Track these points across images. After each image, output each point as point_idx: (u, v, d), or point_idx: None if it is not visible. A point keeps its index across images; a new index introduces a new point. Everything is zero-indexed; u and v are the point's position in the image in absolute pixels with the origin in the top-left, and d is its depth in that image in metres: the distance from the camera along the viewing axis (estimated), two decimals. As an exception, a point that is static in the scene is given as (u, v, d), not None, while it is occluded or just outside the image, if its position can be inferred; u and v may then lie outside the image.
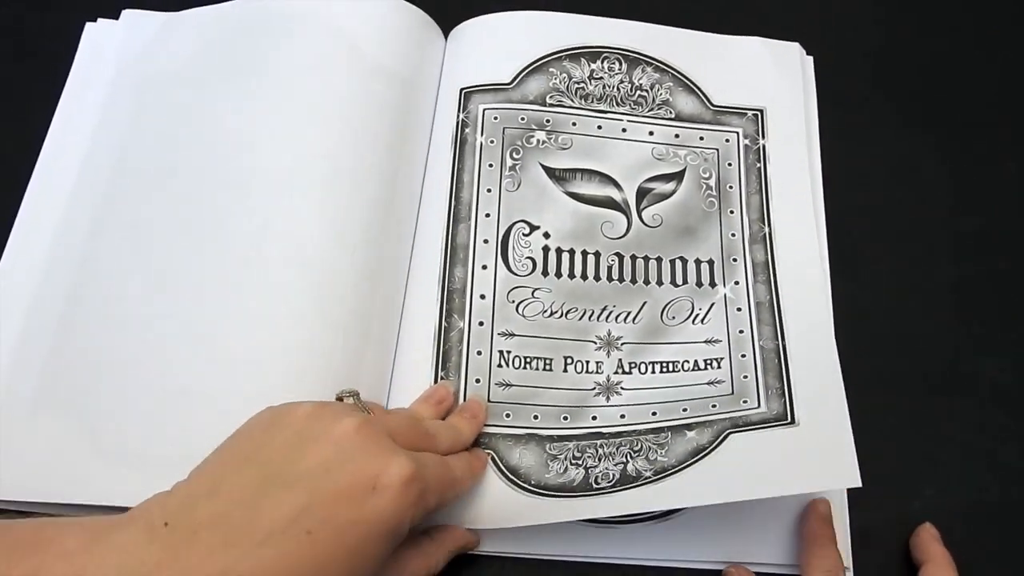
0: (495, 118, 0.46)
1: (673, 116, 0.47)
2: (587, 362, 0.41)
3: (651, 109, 0.48)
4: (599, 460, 0.39)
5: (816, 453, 0.37)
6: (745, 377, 0.41)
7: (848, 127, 0.49)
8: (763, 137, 0.47)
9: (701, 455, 0.38)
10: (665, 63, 0.49)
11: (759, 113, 0.48)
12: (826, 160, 0.48)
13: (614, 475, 0.38)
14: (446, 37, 0.50)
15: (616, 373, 0.41)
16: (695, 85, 0.48)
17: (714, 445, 0.38)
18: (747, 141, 0.47)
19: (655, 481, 0.37)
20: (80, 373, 0.39)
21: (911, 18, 0.53)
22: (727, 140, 0.47)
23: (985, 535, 0.39)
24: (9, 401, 0.39)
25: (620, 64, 0.49)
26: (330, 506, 0.29)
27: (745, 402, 0.40)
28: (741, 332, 0.42)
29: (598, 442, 0.39)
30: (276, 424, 0.32)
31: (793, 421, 0.39)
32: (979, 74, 0.52)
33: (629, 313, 0.43)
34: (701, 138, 0.47)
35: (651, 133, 0.47)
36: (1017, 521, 0.40)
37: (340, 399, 0.36)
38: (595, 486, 0.38)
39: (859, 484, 0.35)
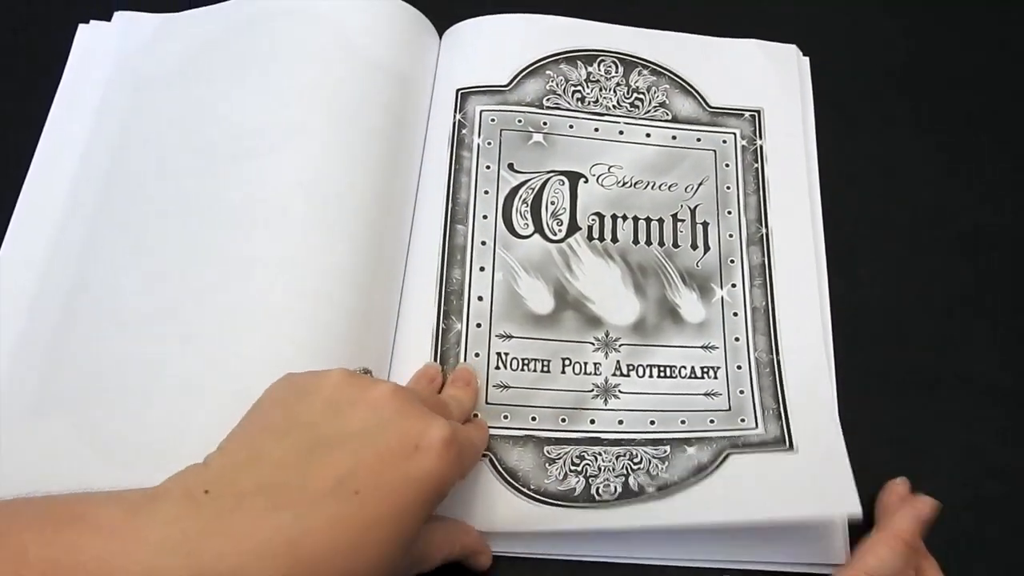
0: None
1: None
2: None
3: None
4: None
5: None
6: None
7: (846, 127, 0.49)
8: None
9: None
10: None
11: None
12: (824, 161, 0.48)
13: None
14: (440, 36, 0.50)
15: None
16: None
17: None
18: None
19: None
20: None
21: (911, 19, 0.53)
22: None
23: (983, 533, 0.39)
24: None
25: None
26: (376, 467, 0.29)
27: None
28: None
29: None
30: (308, 392, 0.32)
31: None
32: (978, 74, 0.52)
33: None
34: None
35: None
36: (1015, 519, 0.40)
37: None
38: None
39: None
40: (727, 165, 0.46)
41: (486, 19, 0.49)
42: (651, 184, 0.46)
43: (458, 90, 0.47)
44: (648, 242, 0.44)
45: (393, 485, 0.29)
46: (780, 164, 0.47)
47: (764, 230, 0.45)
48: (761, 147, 0.47)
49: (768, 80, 0.49)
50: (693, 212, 0.45)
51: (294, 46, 0.46)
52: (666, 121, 0.48)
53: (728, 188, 0.46)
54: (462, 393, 0.39)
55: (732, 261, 0.44)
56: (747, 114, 0.48)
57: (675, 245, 0.44)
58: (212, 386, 0.38)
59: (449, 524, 0.36)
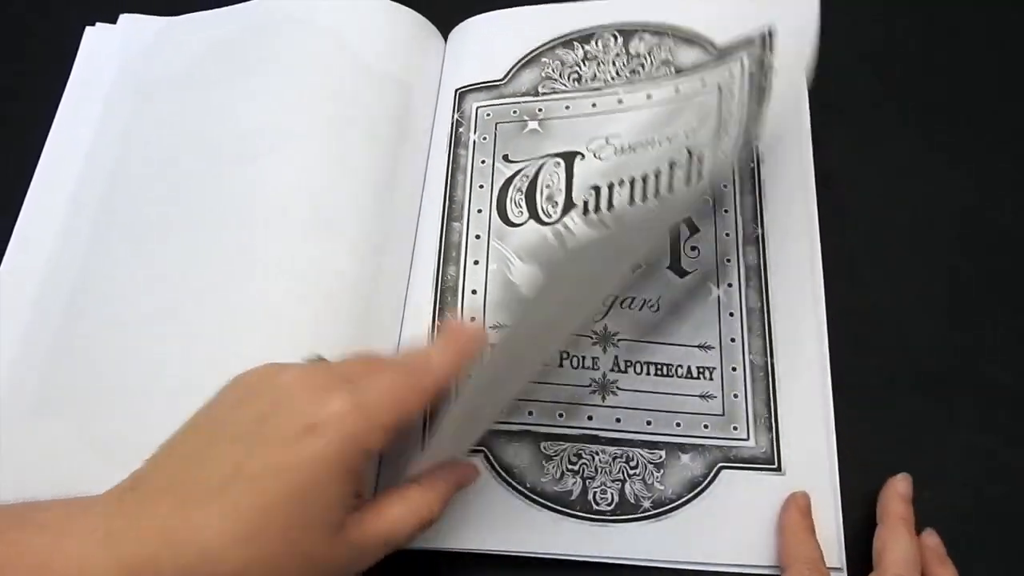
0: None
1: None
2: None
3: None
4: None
5: None
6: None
7: (846, 127, 0.47)
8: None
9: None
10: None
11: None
12: (822, 160, 0.45)
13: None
14: (446, 40, 0.50)
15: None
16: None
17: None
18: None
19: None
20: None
21: (910, 16, 0.51)
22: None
23: (984, 536, 0.38)
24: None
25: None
26: (268, 452, 0.29)
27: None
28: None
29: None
30: (231, 387, 0.33)
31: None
32: (978, 73, 0.49)
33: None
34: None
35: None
36: (1016, 520, 0.39)
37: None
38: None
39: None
40: (731, 93, 0.43)
41: (483, 16, 0.48)
42: (651, 142, 0.44)
43: (456, 90, 0.47)
44: (644, 198, 0.42)
45: (285, 467, 0.29)
46: (786, 75, 0.41)
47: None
48: (770, 61, 0.42)
49: (783, 11, 0.42)
50: (690, 152, 0.42)
51: (297, 51, 0.46)
52: (669, 77, 0.45)
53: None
54: (440, 343, 0.35)
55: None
56: (757, 37, 0.43)
57: (670, 190, 0.42)
58: (212, 386, 0.39)
59: (410, 492, 0.33)
